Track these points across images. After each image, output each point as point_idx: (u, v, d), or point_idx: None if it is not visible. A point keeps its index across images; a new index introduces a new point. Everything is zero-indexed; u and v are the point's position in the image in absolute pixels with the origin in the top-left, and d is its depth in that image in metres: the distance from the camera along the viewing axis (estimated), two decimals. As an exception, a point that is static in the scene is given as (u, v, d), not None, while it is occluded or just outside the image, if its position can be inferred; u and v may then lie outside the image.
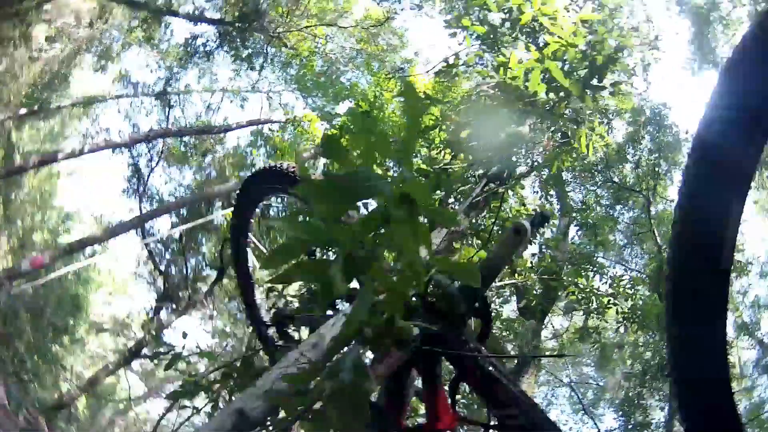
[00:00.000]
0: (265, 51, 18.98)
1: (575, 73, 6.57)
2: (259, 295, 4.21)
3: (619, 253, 17.82)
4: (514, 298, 13.16)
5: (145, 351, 19.27)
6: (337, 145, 1.54)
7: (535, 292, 11.74)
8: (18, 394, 14.10)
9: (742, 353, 17.55)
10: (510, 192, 8.21)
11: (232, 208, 4.40)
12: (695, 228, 1.54)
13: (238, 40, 18.27)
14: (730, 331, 16.74)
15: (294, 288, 3.91)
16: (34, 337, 16.72)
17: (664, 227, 15.92)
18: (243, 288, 4.30)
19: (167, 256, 19.58)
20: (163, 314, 19.21)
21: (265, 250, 4.26)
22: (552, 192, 13.61)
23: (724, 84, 1.46)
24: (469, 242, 8.03)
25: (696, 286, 1.56)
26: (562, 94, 6.38)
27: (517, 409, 2.06)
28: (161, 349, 2.97)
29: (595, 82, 6.66)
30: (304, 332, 3.32)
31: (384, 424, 2.31)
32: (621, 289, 11.66)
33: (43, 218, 20.05)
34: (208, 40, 19.06)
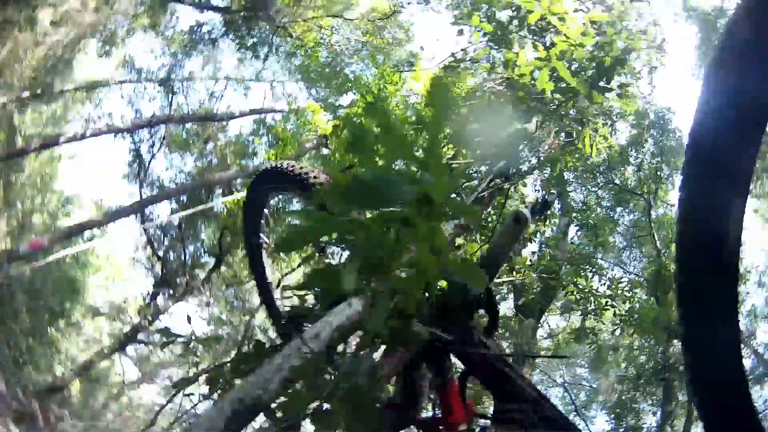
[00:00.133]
0: (270, 40, 18.97)
1: (583, 73, 6.56)
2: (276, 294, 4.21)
3: (618, 256, 17.82)
4: (511, 295, 13.16)
5: (140, 336, 19.31)
6: (362, 142, 1.52)
7: (533, 290, 11.75)
8: (13, 376, 14.13)
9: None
10: (512, 189, 8.22)
11: (242, 211, 4.40)
12: (695, 227, 1.55)
13: (244, 28, 18.25)
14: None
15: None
16: (31, 320, 16.73)
17: (664, 231, 15.91)
18: (260, 289, 4.29)
19: (166, 242, 19.58)
20: (160, 300, 19.23)
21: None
22: (553, 191, 13.61)
23: (709, 82, 1.46)
24: (473, 238, 8.04)
25: (700, 285, 1.56)
26: (569, 93, 6.37)
27: (526, 403, 2.06)
28: (165, 336, 2.94)
29: (602, 83, 6.65)
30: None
31: (401, 419, 2.32)
32: (619, 291, 11.68)
33: (43, 201, 20.02)
34: (213, 28, 19.08)
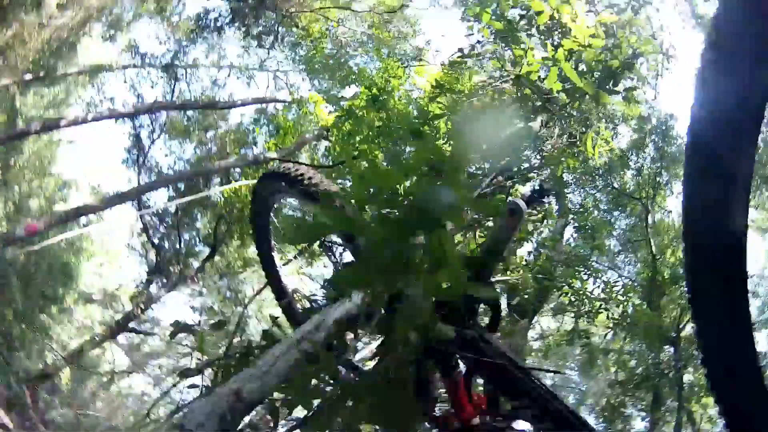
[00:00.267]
0: (276, 30, 18.90)
1: (590, 75, 6.55)
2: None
3: (613, 259, 17.81)
4: (504, 295, 13.13)
5: (132, 324, 19.26)
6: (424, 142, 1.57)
7: (528, 290, 11.73)
8: (4, 362, 14.09)
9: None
10: (514, 188, 8.19)
11: (250, 220, 4.43)
12: (696, 228, 1.54)
13: (250, 17, 18.18)
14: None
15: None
16: (23, 305, 16.67)
17: (660, 237, 15.93)
18: (275, 290, 4.28)
19: (161, 230, 19.53)
20: (153, 288, 19.19)
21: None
22: (549, 179, 13.54)
23: (699, 86, 1.46)
24: (473, 235, 8.02)
25: (707, 287, 1.55)
26: (575, 94, 6.35)
27: (530, 399, 2.05)
28: (177, 327, 2.91)
29: (608, 85, 6.64)
30: None
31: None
32: (613, 295, 11.67)
33: (41, 185, 19.95)
34: (220, 15, 18.98)
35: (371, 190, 1.49)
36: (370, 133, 11.13)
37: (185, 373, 2.82)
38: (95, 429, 18.99)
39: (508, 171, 6.88)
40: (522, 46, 6.84)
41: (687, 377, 15.08)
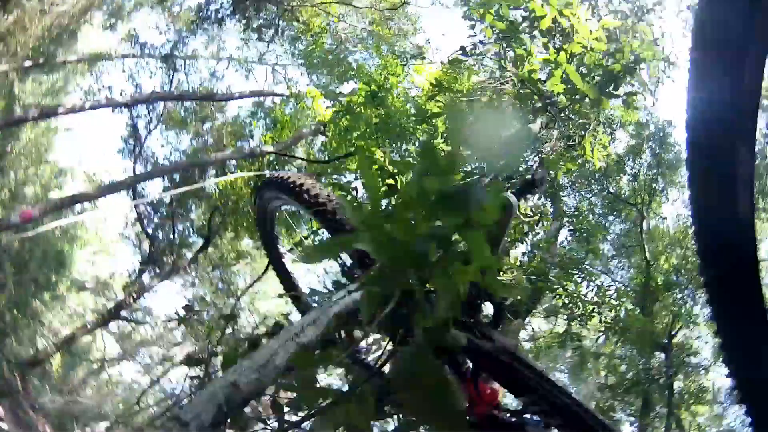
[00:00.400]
0: (276, 23, 18.87)
1: (591, 77, 6.54)
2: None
3: (606, 264, 17.84)
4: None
5: (123, 313, 19.24)
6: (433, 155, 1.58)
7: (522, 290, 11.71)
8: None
9: (717, 379, 17.67)
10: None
11: (257, 228, 4.47)
12: (704, 225, 1.55)
13: (251, 9, 18.13)
14: (708, 355, 16.86)
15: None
16: (16, 291, 16.63)
17: (655, 243, 15.96)
18: (288, 291, 4.29)
19: (155, 220, 19.48)
20: (146, 277, 19.15)
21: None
22: (540, 169, 13.52)
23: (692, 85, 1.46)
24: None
25: (723, 282, 1.55)
26: (576, 96, 6.36)
27: (537, 395, 2.05)
28: (187, 312, 2.91)
29: (609, 89, 6.64)
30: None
31: None
32: (606, 299, 11.69)
33: (37, 172, 19.88)
34: (221, 7, 18.94)
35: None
36: (368, 129, 11.12)
37: (190, 360, 2.80)
38: (85, 415, 18.97)
39: (507, 172, 6.86)
40: (524, 47, 6.84)
41: (677, 384, 15.14)
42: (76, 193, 15.45)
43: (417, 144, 10.60)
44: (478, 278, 1.55)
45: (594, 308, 11.25)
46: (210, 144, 18.70)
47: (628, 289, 15.28)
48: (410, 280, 1.57)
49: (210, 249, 19.11)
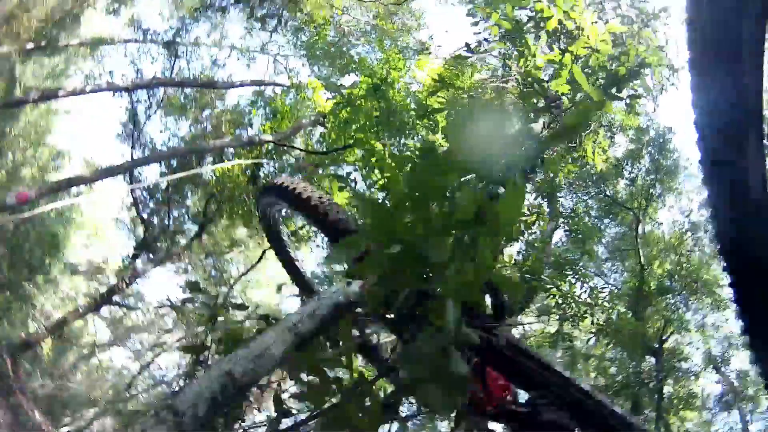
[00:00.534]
0: (280, 13, 18.82)
1: (596, 80, 6.53)
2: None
3: (600, 266, 17.88)
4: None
5: (116, 298, 19.18)
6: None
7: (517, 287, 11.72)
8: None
9: (706, 385, 17.74)
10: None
11: (265, 235, 4.55)
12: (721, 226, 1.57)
13: (256, -1, 18.11)
14: (698, 361, 16.91)
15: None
16: (9, 273, 16.58)
17: (650, 248, 15.98)
18: (301, 289, 4.31)
19: (151, 205, 19.41)
20: (139, 263, 19.09)
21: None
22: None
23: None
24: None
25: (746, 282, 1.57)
26: (579, 95, 6.34)
27: (546, 389, 2.04)
28: (192, 289, 2.90)
29: (613, 91, 6.63)
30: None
31: None
32: (599, 301, 11.71)
33: (35, 154, 19.82)
34: (226, -5, 18.90)
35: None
36: (368, 122, 11.10)
37: (189, 348, 2.79)
38: (75, 400, 18.95)
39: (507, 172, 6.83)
40: (532, 43, 6.82)
41: (667, 388, 15.18)
42: (73, 176, 15.39)
43: (416, 139, 10.59)
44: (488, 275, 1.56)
45: (587, 309, 11.27)
46: (209, 131, 18.63)
47: (621, 292, 15.32)
48: (422, 278, 1.58)
49: (204, 236, 19.08)
